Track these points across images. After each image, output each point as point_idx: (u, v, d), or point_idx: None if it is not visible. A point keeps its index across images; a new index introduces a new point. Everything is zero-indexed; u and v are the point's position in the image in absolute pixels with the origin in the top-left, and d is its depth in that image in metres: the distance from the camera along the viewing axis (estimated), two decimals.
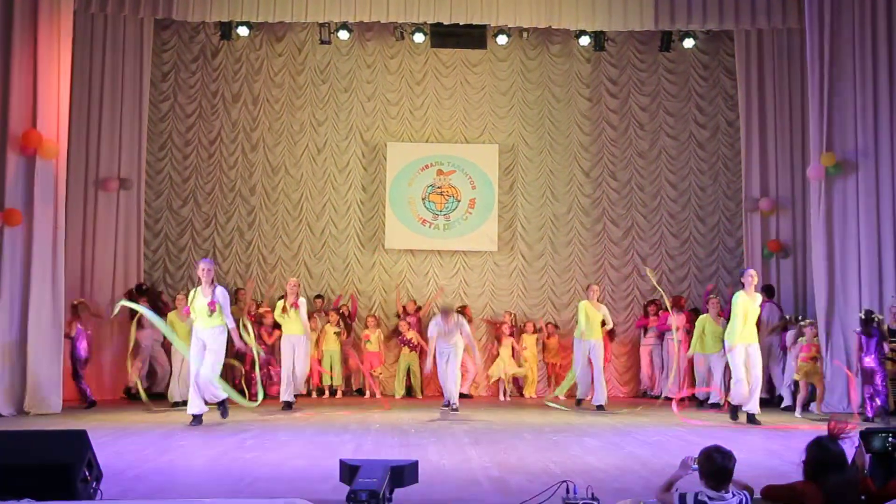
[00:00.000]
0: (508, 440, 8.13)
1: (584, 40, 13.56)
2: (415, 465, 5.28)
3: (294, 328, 11.12)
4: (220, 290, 9.40)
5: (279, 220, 13.73)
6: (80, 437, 4.99)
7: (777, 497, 4.29)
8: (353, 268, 13.69)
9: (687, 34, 13.44)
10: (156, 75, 13.34)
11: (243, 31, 13.29)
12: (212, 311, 9.21)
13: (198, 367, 9.23)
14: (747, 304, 9.79)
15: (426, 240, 13.81)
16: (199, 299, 9.31)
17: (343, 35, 13.40)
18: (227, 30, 13.32)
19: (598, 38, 13.57)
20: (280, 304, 11.26)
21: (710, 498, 4.06)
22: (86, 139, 12.36)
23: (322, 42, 13.66)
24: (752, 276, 9.92)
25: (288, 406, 10.85)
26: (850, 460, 4.39)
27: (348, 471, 5.10)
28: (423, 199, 13.85)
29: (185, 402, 10.94)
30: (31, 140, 10.29)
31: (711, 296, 11.96)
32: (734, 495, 4.09)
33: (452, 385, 10.59)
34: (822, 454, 4.19)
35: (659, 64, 14.07)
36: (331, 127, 13.90)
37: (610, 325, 11.84)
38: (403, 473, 5.08)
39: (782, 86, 12.97)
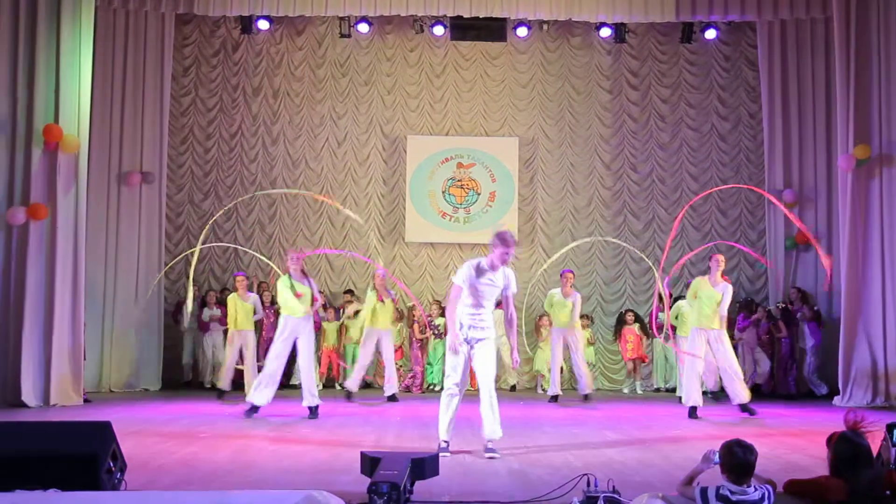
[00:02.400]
0: (529, 433, 8.13)
1: (605, 32, 13.52)
2: (436, 457, 5.30)
3: (383, 321, 11.16)
4: (313, 281, 9.71)
5: (300, 213, 13.79)
6: (105, 429, 5.04)
7: (800, 491, 4.27)
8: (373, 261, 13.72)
9: (708, 25, 13.35)
10: (177, 70, 13.43)
11: (263, 24, 13.35)
12: (314, 301, 9.49)
13: (284, 359, 9.39)
14: (701, 288, 9.58)
15: (446, 233, 13.82)
16: (298, 287, 9.36)
17: (363, 28, 13.42)
18: (247, 24, 13.38)
19: (619, 30, 13.51)
20: (372, 296, 11.24)
21: (731, 492, 4.04)
22: (108, 133, 12.46)
23: (342, 35, 13.69)
24: (719, 262, 9.61)
25: (394, 398, 11.06)
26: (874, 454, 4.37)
27: (369, 463, 5.13)
28: (443, 193, 13.86)
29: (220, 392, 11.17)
30: (51, 134, 10.38)
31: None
32: (756, 489, 4.07)
33: (491, 415, 6.92)
34: (850, 449, 4.15)
35: (680, 55, 13.99)
36: (351, 120, 13.93)
37: (576, 319, 11.36)
38: (424, 466, 5.10)
39: (805, 77, 12.84)
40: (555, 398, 11.33)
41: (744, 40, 13.85)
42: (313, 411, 9.29)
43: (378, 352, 11.42)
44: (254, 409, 9.25)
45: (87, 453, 4.80)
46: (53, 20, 10.58)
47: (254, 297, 11.36)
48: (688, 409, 9.49)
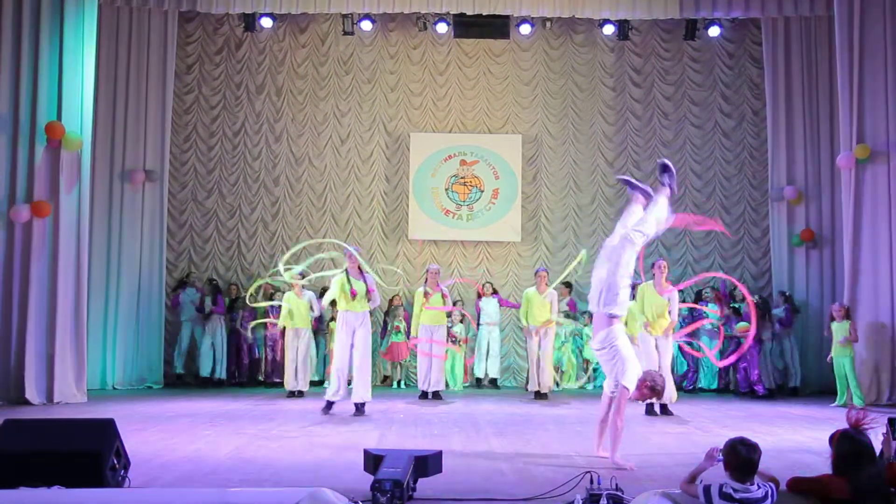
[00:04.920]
0: (532, 431, 8.13)
1: (608, 29, 13.50)
2: (439, 455, 5.30)
3: (432, 316, 11.11)
4: (370, 277, 9.60)
5: (303, 210, 13.80)
6: (109, 426, 5.05)
7: (803, 489, 4.26)
8: (377, 258, 13.71)
9: (712, 22, 13.33)
10: (180, 67, 13.44)
11: (267, 22, 13.35)
12: (370, 298, 9.42)
13: (346, 354, 9.37)
14: (646, 294, 9.58)
15: (449, 230, 13.83)
16: (357, 284, 9.35)
17: (366, 26, 13.42)
18: (250, 21, 13.38)
19: (622, 27, 13.49)
20: (419, 291, 11.22)
21: (734, 490, 4.03)
22: (111, 131, 12.48)
23: (345, 33, 13.68)
24: (661, 267, 9.65)
25: (436, 395, 11.02)
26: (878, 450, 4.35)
27: (373, 460, 5.13)
28: (446, 190, 13.86)
29: (300, 393, 11.23)
30: (54, 132, 10.38)
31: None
32: (759, 487, 4.06)
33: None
34: (852, 447, 4.13)
35: (683, 52, 13.97)
36: (354, 118, 13.94)
37: (554, 316, 11.31)
38: (427, 463, 5.10)
39: (809, 74, 12.83)
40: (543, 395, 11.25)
41: (748, 37, 13.83)
42: (359, 408, 9.29)
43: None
44: (329, 405, 9.29)
45: (91, 450, 4.81)
46: (57, 18, 10.58)
47: (309, 294, 11.37)
48: (644, 406, 9.43)
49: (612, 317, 6.40)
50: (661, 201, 6.87)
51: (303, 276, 11.42)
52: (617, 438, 6.17)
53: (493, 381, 13.02)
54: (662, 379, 6.37)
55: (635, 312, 10.05)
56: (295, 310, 11.31)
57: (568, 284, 13.04)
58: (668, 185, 6.84)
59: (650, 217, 6.77)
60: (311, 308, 11.19)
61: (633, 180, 6.99)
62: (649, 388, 6.22)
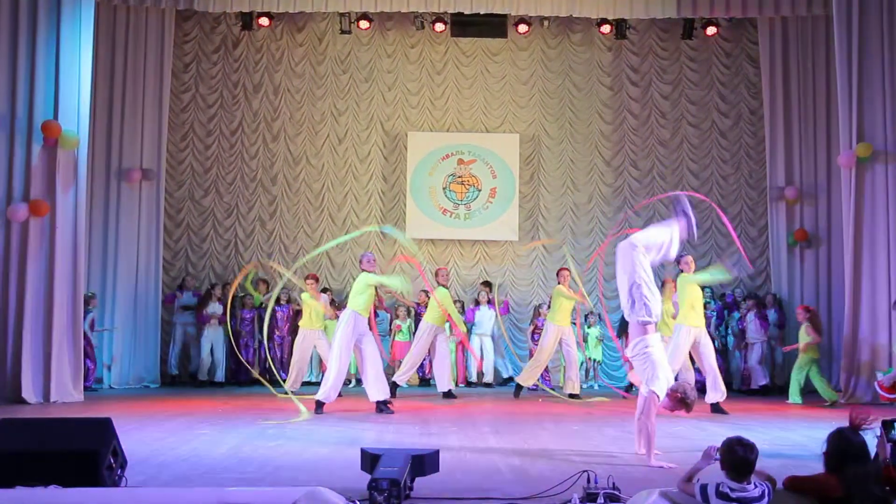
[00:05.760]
0: (529, 430, 8.14)
1: (606, 28, 13.49)
2: (436, 453, 5.30)
3: (439, 317, 11.12)
4: None
5: (301, 209, 13.79)
6: (106, 425, 5.05)
7: (800, 488, 4.27)
8: (375, 258, 13.67)
9: (709, 21, 13.33)
10: (177, 66, 13.43)
11: (264, 21, 13.34)
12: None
13: (349, 357, 9.42)
14: (688, 284, 9.61)
15: (447, 229, 13.82)
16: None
17: (363, 25, 13.41)
18: (248, 20, 13.37)
19: (620, 27, 13.49)
20: (445, 292, 11.24)
21: (731, 489, 4.04)
22: (108, 130, 12.47)
23: (342, 32, 13.68)
24: (689, 263, 9.75)
25: (450, 395, 11.03)
26: (873, 451, 4.36)
27: (370, 459, 5.14)
28: (443, 189, 13.86)
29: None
30: (50, 131, 10.36)
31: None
32: (756, 486, 4.07)
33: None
34: (843, 445, 4.15)
35: (681, 52, 13.98)
36: (351, 117, 13.93)
37: (581, 304, 11.43)
38: (424, 462, 5.10)
39: (807, 73, 12.83)
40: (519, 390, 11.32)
41: (745, 37, 13.84)
42: (384, 405, 9.32)
43: (433, 346, 11.24)
44: (320, 405, 9.25)
45: (88, 450, 4.81)
46: (53, 16, 10.56)
47: (325, 297, 11.41)
48: None
49: (644, 324, 6.40)
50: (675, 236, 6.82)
51: (317, 279, 11.46)
52: (650, 441, 6.20)
53: (488, 385, 13.02)
54: (695, 393, 6.30)
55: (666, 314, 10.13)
56: (312, 310, 11.15)
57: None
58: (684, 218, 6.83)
59: (663, 247, 6.73)
60: (326, 311, 11.24)
61: (688, 207, 6.88)
62: (679, 399, 6.19)
